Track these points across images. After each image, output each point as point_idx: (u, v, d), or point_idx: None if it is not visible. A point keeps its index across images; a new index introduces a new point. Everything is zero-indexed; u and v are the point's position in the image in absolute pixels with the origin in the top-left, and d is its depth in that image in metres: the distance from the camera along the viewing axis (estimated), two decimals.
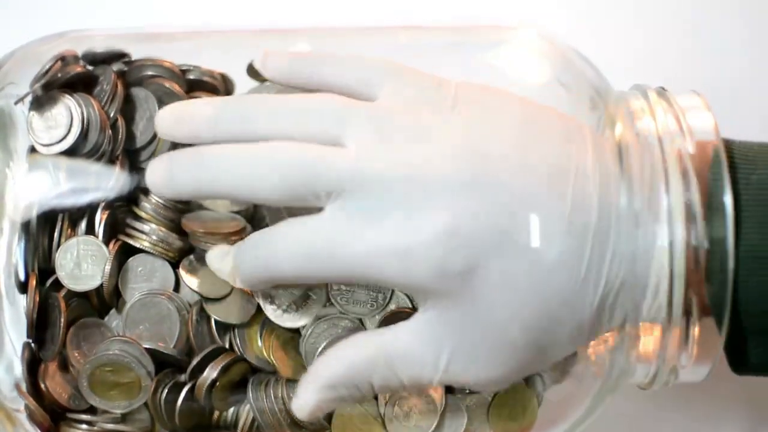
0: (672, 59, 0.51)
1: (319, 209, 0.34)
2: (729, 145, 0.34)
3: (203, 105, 0.36)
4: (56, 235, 0.37)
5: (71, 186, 0.37)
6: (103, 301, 0.37)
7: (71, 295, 0.37)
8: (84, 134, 0.37)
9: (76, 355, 0.37)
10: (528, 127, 0.34)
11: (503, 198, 0.32)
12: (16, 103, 0.37)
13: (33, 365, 0.37)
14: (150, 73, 0.40)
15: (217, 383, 0.36)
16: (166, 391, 0.36)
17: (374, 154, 0.33)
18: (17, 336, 0.37)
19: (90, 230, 0.37)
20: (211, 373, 0.36)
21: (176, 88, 0.39)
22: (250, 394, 0.37)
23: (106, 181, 0.37)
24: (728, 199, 0.33)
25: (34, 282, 0.36)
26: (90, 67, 0.39)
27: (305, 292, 0.37)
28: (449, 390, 0.38)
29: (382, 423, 0.38)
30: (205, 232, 0.37)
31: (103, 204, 0.37)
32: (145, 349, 0.36)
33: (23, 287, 0.37)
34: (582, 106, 0.37)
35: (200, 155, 0.35)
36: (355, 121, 0.34)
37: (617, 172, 0.33)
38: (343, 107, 0.35)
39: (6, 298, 0.37)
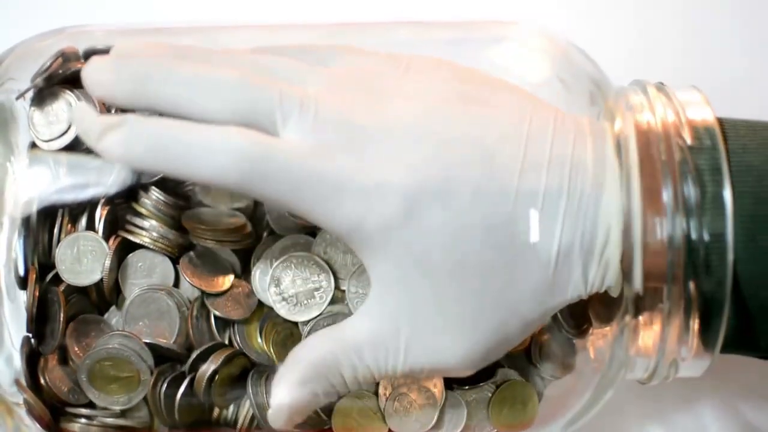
0: (671, 56, 0.51)
1: None
2: (726, 136, 0.34)
3: (119, 70, 0.35)
4: (56, 230, 0.37)
5: (71, 182, 0.37)
6: (102, 297, 0.37)
7: (71, 290, 0.37)
8: None
9: (76, 349, 0.37)
10: (476, 100, 0.34)
11: (447, 153, 0.33)
12: (17, 98, 0.37)
13: (32, 359, 0.37)
14: None
15: (217, 376, 0.36)
16: (165, 385, 0.36)
17: (332, 98, 0.33)
18: (17, 331, 0.37)
19: (90, 226, 0.37)
20: (210, 366, 0.36)
21: None
22: (250, 390, 0.37)
23: (107, 177, 0.37)
24: (727, 194, 0.33)
25: (34, 277, 0.37)
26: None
27: (311, 290, 0.37)
28: (449, 385, 0.38)
29: (382, 418, 0.38)
30: (205, 228, 0.37)
31: (103, 200, 0.37)
32: (145, 343, 0.36)
33: (23, 282, 0.37)
34: (582, 100, 0.37)
35: (159, 138, 0.33)
36: (310, 76, 0.34)
37: (616, 164, 0.33)
38: (300, 66, 0.35)
39: (6, 294, 0.37)
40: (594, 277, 0.33)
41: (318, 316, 0.37)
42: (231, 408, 0.38)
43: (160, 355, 0.37)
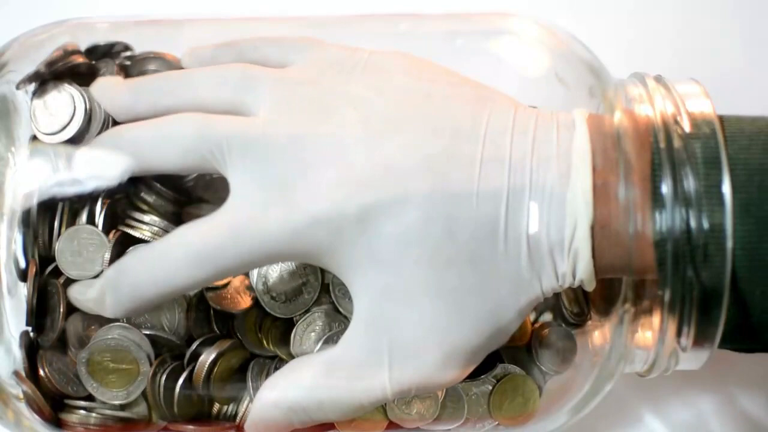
0: (670, 50, 0.51)
1: None
2: (725, 129, 0.34)
3: (122, 86, 0.37)
4: (56, 223, 0.37)
5: (72, 175, 0.37)
6: None
7: (71, 283, 0.37)
8: (86, 123, 0.37)
9: (75, 341, 0.37)
10: (431, 98, 0.35)
11: (395, 165, 0.33)
12: (17, 86, 0.37)
13: (32, 351, 0.37)
14: (153, 67, 0.40)
15: (216, 368, 0.36)
16: (164, 377, 0.36)
17: (277, 121, 0.34)
18: (16, 323, 0.37)
19: (90, 220, 0.37)
20: (209, 355, 0.36)
21: None
22: (250, 383, 0.37)
23: (107, 171, 0.37)
24: (726, 188, 0.32)
25: (34, 269, 0.37)
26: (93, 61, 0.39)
27: (299, 286, 0.37)
28: None
29: (383, 410, 0.38)
30: None
31: (103, 193, 0.37)
32: (145, 334, 0.36)
33: (23, 274, 0.37)
34: (581, 93, 0.38)
35: (119, 135, 0.36)
36: (259, 89, 0.35)
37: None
38: (248, 75, 0.35)
39: (6, 286, 0.37)
40: (565, 271, 0.33)
41: (307, 313, 0.37)
42: (230, 402, 0.38)
43: (159, 346, 0.37)
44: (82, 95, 0.37)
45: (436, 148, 0.33)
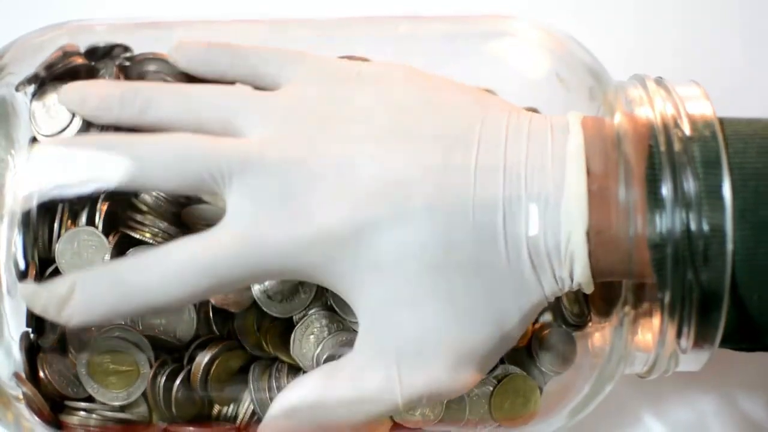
0: (670, 52, 0.51)
1: None
2: (725, 131, 0.34)
3: (111, 86, 0.37)
4: (56, 225, 0.37)
5: (72, 176, 0.37)
6: None
7: None
8: (86, 126, 0.37)
9: (75, 343, 0.37)
10: (425, 107, 0.35)
11: (393, 180, 0.33)
12: (17, 89, 0.37)
13: (32, 353, 0.37)
14: (152, 68, 0.40)
15: (212, 369, 0.36)
16: (164, 378, 0.36)
17: (276, 141, 0.34)
18: (16, 324, 0.37)
19: (90, 221, 0.37)
20: (206, 355, 0.36)
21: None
22: (251, 384, 0.37)
23: (107, 173, 0.37)
24: (727, 190, 0.32)
25: (34, 271, 0.37)
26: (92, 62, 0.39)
27: (295, 285, 0.37)
28: None
29: None
30: (205, 224, 0.37)
31: (103, 195, 0.37)
32: (145, 336, 0.36)
33: (23, 276, 0.37)
34: (581, 95, 0.38)
35: (106, 142, 0.36)
36: (255, 111, 0.35)
37: (615, 157, 0.33)
38: (244, 99, 0.35)
39: (6, 288, 0.37)
40: (563, 275, 0.33)
41: (305, 314, 0.37)
42: (231, 403, 0.38)
43: (159, 348, 0.37)
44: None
45: (434, 158, 0.33)
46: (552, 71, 0.39)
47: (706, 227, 0.32)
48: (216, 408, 0.38)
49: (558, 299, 0.38)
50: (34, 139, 0.37)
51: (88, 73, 0.39)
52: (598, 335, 0.37)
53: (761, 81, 0.51)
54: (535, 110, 0.38)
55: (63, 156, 0.37)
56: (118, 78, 0.39)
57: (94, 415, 0.36)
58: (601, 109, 0.37)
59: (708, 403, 0.46)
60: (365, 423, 0.35)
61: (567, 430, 0.38)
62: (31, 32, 0.40)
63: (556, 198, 0.33)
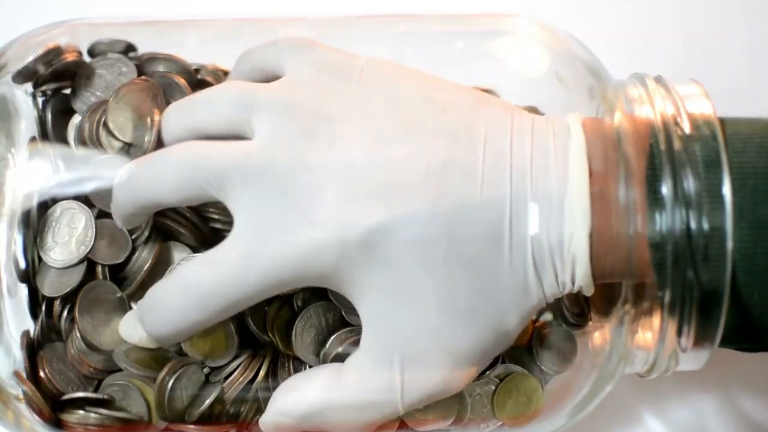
0: (670, 50, 0.51)
1: None
2: (725, 130, 0.34)
3: None
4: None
5: (72, 175, 0.37)
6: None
7: None
8: None
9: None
10: (429, 105, 0.34)
11: (396, 181, 0.33)
12: (13, 79, 0.37)
13: (32, 352, 0.37)
14: (161, 68, 0.40)
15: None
16: (174, 378, 0.36)
17: (276, 145, 0.34)
18: (16, 323, 0.37)
19: None
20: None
21: (182, 81, 0.39)
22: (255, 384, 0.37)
23: (108, 171, 0.37)
24: (727, 189, 0.32)
25: (34, 270, 0.37)
26: (89, 59, 0.39)
27: None
28: None
29: None
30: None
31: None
32: None
33: (24, 275, 0.37)
34: (580, 94, 0.38)
35: (129, 171, 0.36)
36: (257, 110, 0.34)
37: (615, 158, 0.33)
38: (245, 95, 0.35)
39: (6, 286, 0.37)
40: (564, 277, 0.33)
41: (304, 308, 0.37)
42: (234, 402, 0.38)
43: None
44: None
45: (438, 157, 0.33)
46: (552, 70, 0.38)
47: (706, 226, 0.32)
48: (218, 407, 0.38)
49: (559, 298, 0.38)
50: (34, 138, 0.37)
51: (86, 70, 0.39)
52: (599, 334, 0.37)
53: (761, 80, 0.51)
54: (535, 109, 0.38)
55: (64, 154, 0.37)
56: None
57: (93, 414, 0.36)
58: (601, 107, 0.37)
59: (709, 403, 0.46)
60: (368, 426, 0.35)
61: (567, 430, 0.38)
62: (32, 30, 0.40)
63: (560, 199, 0.33)
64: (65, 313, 0.37)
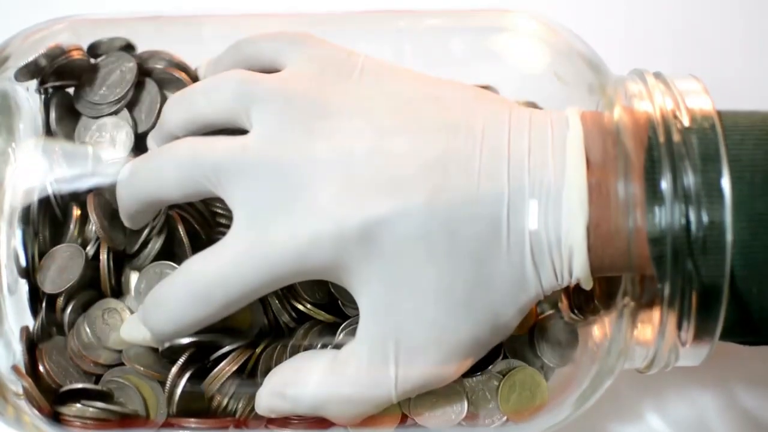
0: (670, 46, 0.51)
1: None
2: (723, 123, 0.34)
3: None
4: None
5: (73, 171, 0.37)
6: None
7: None
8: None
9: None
10: (427, 101, 0.35)
11: (400, 164, 0.33)
12: (16, 77, 0.37)
13: (32, 346, 0.37)
14: (159, 66, 0.40)
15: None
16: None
17: (273, 138, 0.34)
18: (16, 319, 0.37)
19: None
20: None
21: (183, 75, 0.39)
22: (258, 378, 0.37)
23: (110, 168, 0.37)
24: (726, 182, 0.32)
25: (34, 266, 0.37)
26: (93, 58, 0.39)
27: None
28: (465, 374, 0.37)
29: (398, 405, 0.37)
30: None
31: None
32: None
33: (24, 272, 0.37)
34: (580, 89, 0.37)
35: (130, 169, 0.36)
36: (255, 101, 0.34)
37: (614, 151, 0.33)
38: (243, 85, 0.35)
39: (6, 282, 0.37)
40: (563, 270, 0.33)
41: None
42: (231, 397, 0.38)
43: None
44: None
45: (435, 151, 0.33)
46: (551, 66, 0.39)
47: (705, 219, 0.32)
48: (216, 401, 0.38)
49: (562, 290, 0.38)
50: (35, 133, 0.38)
51: (89, 69, 0.39)
52: (598, 328, 0.37)
53: (761, 78, 0.51)
54: (534, 104, 0.39)
55: (64, 150, 0.37)
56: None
57: (91, 408, 0.36)
58: (600, 103, 0.37)
59: (709, 398, 0.46)
60: (361, 415, 0.35)
61: (567, 426, 0.38)
62: (33, 26, 0.40)
63: (557, 192, 0.33)
64: (68, 309, 0.37)
